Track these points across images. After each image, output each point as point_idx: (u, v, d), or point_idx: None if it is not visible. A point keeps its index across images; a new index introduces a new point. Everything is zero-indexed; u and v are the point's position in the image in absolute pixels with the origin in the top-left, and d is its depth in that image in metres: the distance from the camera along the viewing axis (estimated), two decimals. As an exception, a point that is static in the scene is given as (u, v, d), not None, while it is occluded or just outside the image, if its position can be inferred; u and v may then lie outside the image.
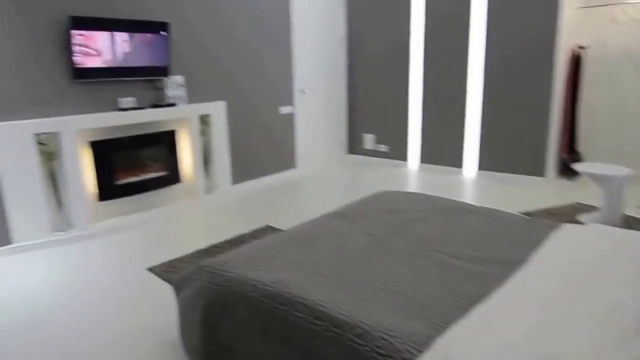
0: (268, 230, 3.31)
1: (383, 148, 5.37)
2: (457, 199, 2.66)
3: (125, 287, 2.51)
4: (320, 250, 1.68)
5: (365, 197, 2.42)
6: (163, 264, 2.77)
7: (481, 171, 4.64)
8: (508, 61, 4.26)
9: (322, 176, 4.95)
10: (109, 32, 3.21)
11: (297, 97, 4.89)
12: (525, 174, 4.36)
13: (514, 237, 1.85)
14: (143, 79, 3.53)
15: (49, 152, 3.08)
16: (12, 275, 2.68)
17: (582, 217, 3.31)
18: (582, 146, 4.34)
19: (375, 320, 1.22)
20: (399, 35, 4.94)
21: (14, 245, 3.00)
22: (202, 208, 3.92)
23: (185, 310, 1.75)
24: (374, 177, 4.84)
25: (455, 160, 4.81)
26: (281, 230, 3.22)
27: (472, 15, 4.40)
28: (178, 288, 1.83)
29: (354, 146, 5.65)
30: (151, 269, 2.71)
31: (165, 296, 2.38)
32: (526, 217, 2.17)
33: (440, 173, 4.86)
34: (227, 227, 3.42)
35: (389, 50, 5.07)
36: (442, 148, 4.87)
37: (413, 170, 5.09)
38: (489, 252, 1.69)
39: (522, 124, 4.30)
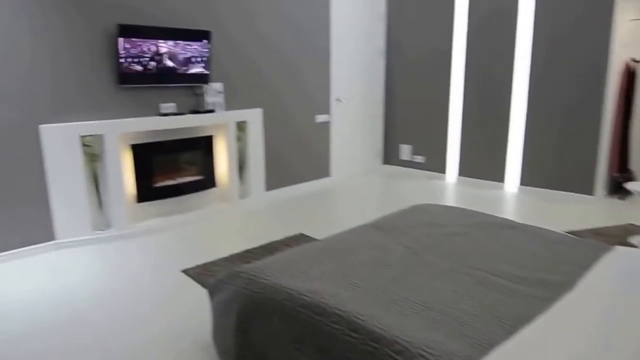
0: (301, 238, 3.34)
1: (420, 159, 5.33)
2: (498, 215, 2.61)
3: (161, 288, 2.59)
4: (356, 261, 1.69)
5: (402, 210, 2.41)
6: (197, 267, 2.84)
7: (523, 186, 4.52)
8: (556, 73, 4.16)
9: (356, 186, 4.95)
10: (154, 40, 3.35)
11: (334, 105, 4.94)
12: (572, 191, 4.22)
13: (560, 257, 1.80)
14: (184, 85, 3.66)
15: (92, 154, 3.24)
16: (56, 271, 2.82)
17: (634, 240, 3.17)
18: (634, 164, 4.16)
19: (414, 336, 1.22)
20: (440, 45, 4.92)
21: (57, 241, 3.16)
22: (235, 213, 4.00)
23: (219, 315, 1.79)
24: (409, 188, 4.81)
25: (495, 174, 4.71)
26: (315, 239, 3.26)
27: (518, 25, 4.33)
28: (212, 292, 1.88)
29: (389, 156, 5.64)
30: (185, 271, 2.79)
31: (199, 299, 2.44)
32: (573, 236, 2.10)
33: (480, 187, 4.77)
34: (260, 233, 3.47)
35: (429, 60, 5.04)
36: (482, 161, 4.78)
37: (451, 182, 5.02)
38: (533, 272, 1.65)
39: (569, 138, 4.17)
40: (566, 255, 1.81)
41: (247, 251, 3.10)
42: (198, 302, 2.41)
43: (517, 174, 4.56)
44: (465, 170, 4.94)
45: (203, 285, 2.60)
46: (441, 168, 5.15)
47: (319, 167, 4.92)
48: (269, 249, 3.14)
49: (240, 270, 1.69)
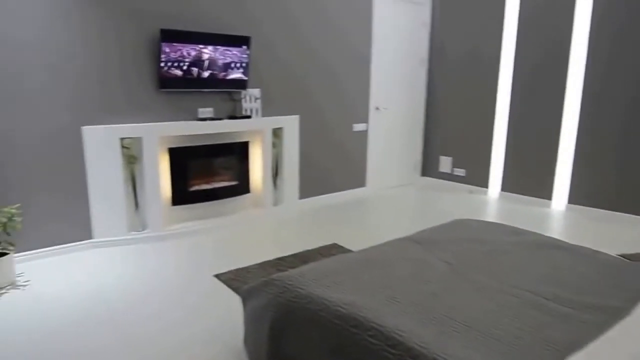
0: (335, 248, 3.34)
1: (460, 172, 5.24)
2: (544, 233, 2.52)
3: (193, 291, 2.64)
4: (394, 275, 1.67)
5: (442, 224, 2.38)
6: (230, 272, 2.89)
7: (572, 205, 4.36)
8: (614, 84, 4.01)
9: (392, 197, 4.91)
10: (194, 45, 3.46)
11: (372, 114, 4.93)
12: (625, 212, 4.04)
13: (613, 281, 1.72)
14: (222, 90, 3.75)
15: (131, 156, 3.36)
16: (91, 270, 2.93)
17: (695, 267, 2.99)
18: (697, 185, 3.94)
19: (455, 356, 1.19)
20: (487, 51, 4.84)
21: (94, 240, 3.29)
22: (268, 220, 4.05)
23: (252, 321, 1.81)
24: (449, 202, 4.73)
25: (541, 190, 4.56)
26: (349, 250, 3.24)
27: (573, 35, 4.21)
28: (246, 298, 1.90)
29: (428, 168, 5.57)
30: (218, 276, 2.84)
31: (230, 304, 2.47)
32: (627, 260, 2.01)
33: (524, 203, 4.63)
34: (293, 241, 3.50)
35: (475, 67, 4.97)
36: (528, 176, 4.65)
37: (493, 198, 4.90)
38: (584, 295, 1.59)
39: (627, 157, 4.00)
40: (620, 280, 1.73)
41: (280, 259, 3.12)
42: (230, 307, 2.44)
43: (565, 191, 4.41)
44: (509, 185, 4.82)
45: (235, 290, 2.64)
46: (483, 182, 5.04)
47: (354, 177, 4.91)
48: (302, 257, 3.15)
49: (275, 278, 1.71)
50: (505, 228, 2.35)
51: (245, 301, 1.91)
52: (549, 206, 4.50)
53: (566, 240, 2.27)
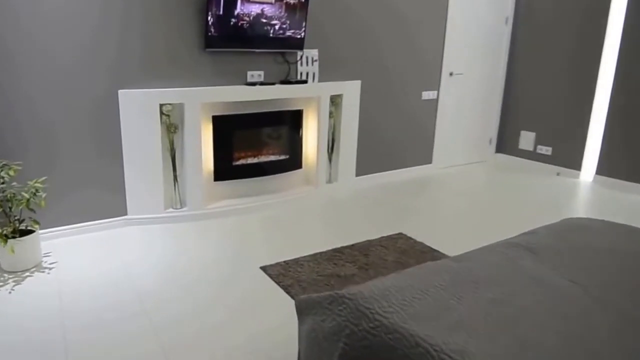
0: (402, 239, 2.94)
1: (545, 150, 4.64)
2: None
3: (236, 287, 2.34)
4: (517, 305, 1.25)
5: (553, 225, 1.92)
6: (278, 265, 2.57)
7: (690, 196, 3.72)
8: None
9: (463, 177, 4.42)
10: (245, -5, 3.07)
11: (445, 81, 4.40)
12: None
13: None
14: (275, 51, 3.36)
15: (170, 124, 3.07)
16: (125, 251, 2.69)
17: None
18: None
19: None
20: (590, 7, 4.15)
21: (128, 217, 3.06)
22: (321, 199, 3.69)
23: (311, 344, 1.47)
24: (533, 186, 4.18)
25: (650, 176, 3.93)
26: (419, 243, 2.84)
27: None
28: (303, 311, 1.56)
29: (505, 144, 5.00)
30: (265, 269, 2.53)
31: (281, 307, 2.16)
32: None
33: (627, 190, 4.01)
34: (350, 227, 3.13)
35: (571, 27, 4.29)
36: (635, 158, 4.00)
37: (586, 182, 4.30)
38: None
39: None
40: None
41: (336, 251, 2.77)
42: (280, 311, 2.13)
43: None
44: (608, 168, 4.18)
45: (286, 290, 2.31)
46: (574, 163, 4.43)
47: (419, 152, 4.45)
48: (362, 249, 2.79)
49: (347, 296, 1.34)
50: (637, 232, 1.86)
51: (302, 315, 1.57)
52: (659, 196, 3.88)
53: None
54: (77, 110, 2.78)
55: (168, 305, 2.17)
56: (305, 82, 3.48)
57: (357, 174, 4.07)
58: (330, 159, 3.85)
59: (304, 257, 2.69)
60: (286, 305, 2.18)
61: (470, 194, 3.97)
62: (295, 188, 3.75)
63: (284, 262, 2.61)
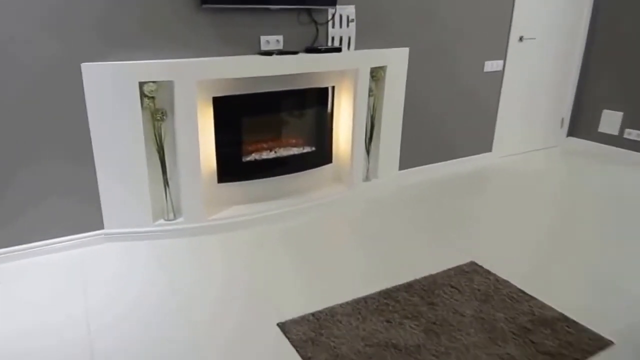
0: (476, 273, 2.16)
1: (635, 135, 3.76)
2: None
3: (240, 348, 1.62)
4: None
5: None
6: (304, 320, 1.83)
7: None
8: None
9: (533, 169, 3.58)
10: None
11: (513, 47, 3.51)
12: None
13: None
14: (299, 7, 2.52)
15: (156, 109, 2.31)
16: (90, 281, 1.99)
17: None
18: None
19: None
20: None
21: (105, 230, 2.36)
22: (358, 204, 2.92)
23: None
24: (625, 184, 3.32)
25: None
26: (502, 280, 1.99)
27: None
28: None
29: (580, 126, 4.11)
30: (283, 327, 1.80)
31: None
32: None
33: None
34: (402, 249, 2.37)
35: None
36: None
37: (693, 180, 3.42)
38: None
39: None
40: None
41: (387, 294, 2.01)
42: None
43: None
44: None
45: (314, 372, 1.58)
46: (676, 154, 3.55)
47: (478, 138, 3.62)
48: (423, 293, 2.02)
49: None
50: None
51: None
52: None
53: None
54: (23, 94, 2.04)
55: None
56: (339, 50, 2.65)
57: (402, 167, 3.29)
58: (368, 150, 3.06)
59: (342, 305, 1.94)
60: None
61: (549, 195, 3.13)
62: (324, 189, 2.98)
63: (313, 314, 1.87)
